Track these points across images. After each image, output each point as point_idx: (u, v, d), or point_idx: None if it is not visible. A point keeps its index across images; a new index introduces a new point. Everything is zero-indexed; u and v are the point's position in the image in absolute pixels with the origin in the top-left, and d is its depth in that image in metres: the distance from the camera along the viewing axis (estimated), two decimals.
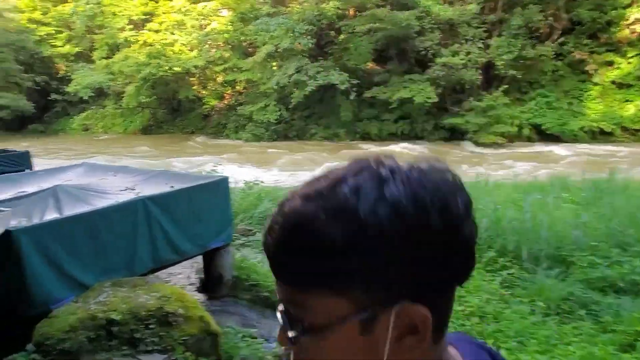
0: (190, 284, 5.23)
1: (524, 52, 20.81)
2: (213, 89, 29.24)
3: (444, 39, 21.76)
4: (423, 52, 21.76)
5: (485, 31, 21.81)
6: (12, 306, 3.42)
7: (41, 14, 32.25)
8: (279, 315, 0.56)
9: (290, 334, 0.53)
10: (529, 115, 21.31)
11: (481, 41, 21.42)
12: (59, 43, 31.99)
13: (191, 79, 28.67)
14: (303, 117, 25.08)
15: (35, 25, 31.85)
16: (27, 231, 3.30)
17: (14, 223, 4.12)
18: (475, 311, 4.32)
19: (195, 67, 26.87)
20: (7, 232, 3.25)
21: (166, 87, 27.96)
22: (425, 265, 0.52)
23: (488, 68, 21.66)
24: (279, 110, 24.17)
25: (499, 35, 21.62)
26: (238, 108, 26.19)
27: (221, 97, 28.92)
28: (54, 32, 32.07)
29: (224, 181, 4.93)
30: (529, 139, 21.13)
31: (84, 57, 32.29)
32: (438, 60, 20.85)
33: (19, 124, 33.28)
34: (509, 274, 5.26)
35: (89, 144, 26.69)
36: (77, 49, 32.17)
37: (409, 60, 23.20)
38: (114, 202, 4.20)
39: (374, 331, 0.51)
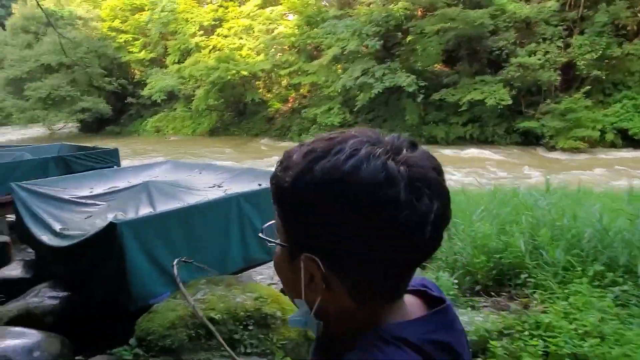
0: (272, 284, 5.12)
1: (609, 51, 19.26)
2: (278, 92, 29.69)
3: (519, 37, 20.65)
4: (496, 52, 20.76)
5: (565, 29, 20.45)
6: (113, 300, 3.44)
7: (120, 23, 34.31)
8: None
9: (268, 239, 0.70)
10: (613, 119, 19.67)
11: (561, 40, 20.10)
12: (135, 49, 33.86)
13: (257, 82, 29.29)
14: (367, 120, 24.75)
15: (115, 33, 33.94)
16: (130, 224, 3.31)
17: (110, 217, 4.20)
18: (592, 331, 3.85)
19: (262, 70, 27.40)
20: (112, 225, 3.27)
21: (233, 90, 28.74)
22: (340, 244, 0.60)
23: (568, 68, 20.26)
24: (343, 113, 24.04)
25: (581, 33, 20.18)
26: (302, 111, 26.35)
27: (285, 100, 29.29)
28: (131, 39, 34.00)
29: None
30: (613, 145, 19.51)
31: (158, 62, 34.00)
32: (513, 60, 19.80)
33: (97, 126, 35.63)
34: (622, 290, 4.69)
35: (161, 144, 27.99)
36: (151, 55, 33.89)
37: (481, 60, 22.25)
38: (204, 198, 4.17)
39: (294, 264, 0.64)
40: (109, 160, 6.98)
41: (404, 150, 0.61)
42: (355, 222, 0.58)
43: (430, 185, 0.60)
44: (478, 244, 4.77)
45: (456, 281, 4.31)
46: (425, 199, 0.59)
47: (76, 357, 3.06)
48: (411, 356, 0.60)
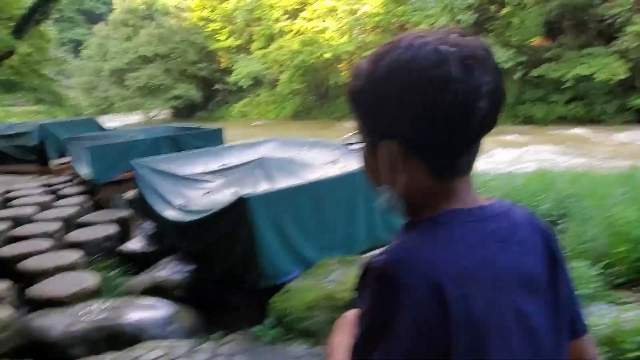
0: None
1: None
2: None
3: (637, 3, 18.28)
4: (608, 21, 18.58)
5: None
6: (241, 276, 3.33)
7: (209, 12, 35.53)
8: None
9: (353, 144, 0.79)
10: None
11: None
12: (222, 37, 34.98)
13: (340, 65, 28.97)
14: None
15: (204, 22, 35.27)
16: (261, 199, 3.16)
17: (228, 193, 4.10)
18: None
19: (345, 52, 27.02)
20: (242, 199, 3.14)
21: (316, 73, 28.69)
22: (413, 123, 0.66)
23: None
24: None
25: None
26: None
27: None
28: (219, 27, 35.13)
29: None
30: None
31: (243, 49, 34.91)
32: (629, 29, 17.60)
33: (188, 112, 37.58)
34: None
35: (247, 129, 28.80)
36: (237, 42, 34.84)
37: (588, 31, 20.09)
38: (325, 175, 3.94)
39: (376, 154, 0.71)
40: (212, 140, 7.08)
41: (453, 35, 0.68)
42: (417, 103, 0.65)
43: (480, 61, 0.66)
44: (618, 231, 4.10)
45: (597, 272, 3.66)
46: (476, 73, 0.65)
47: (212, 334, 2.99)
48: (455, 233, 0.67)
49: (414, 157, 0.68)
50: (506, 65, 19.80)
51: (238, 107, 34.61)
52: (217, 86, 35.51)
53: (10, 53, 16.18)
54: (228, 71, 34.63)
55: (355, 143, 0.78)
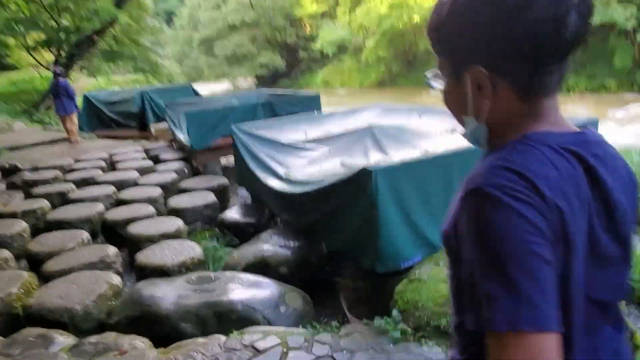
0: None
1: None
2: None
3: None
4: None
5: None
6: (357, 258, 2.96)
7: None
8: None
9: (433, 80, 0.79)
10: None
11: None
12: (306, 2, 34.45)
13: None
14: None
15: None
16: (385, 172, 2.72)
17: (334, 162, 3.71)
18: None
19: None
20: (365, 171, 2.72)
21: (403, 39, 27.32)
22: (480, 41, 0.68)
23: None
24: None
25: None
26: None
27: None
28: None
29: None
30: None
31: (329, 15, 34.16)
32: None
33: (272, 80, 37.94)
34: None
35: (330, 97, 28.42)
36: (322, 8, 34.15)
37: None
38: (446, 146, 3.39)
39: (461, 84, 0.72)
40: (312, 105, 6.73)
41: None
42: (503, 21, 0.64)
43: None
44: None
45: None
46: None
47: (325, 322, 2.67)
48: (545, 152, 0.66)
49: (501, 79, 0.69)
50: (626, 25, 17.31)
51: (322, 75, 34.23)
52: (301, 54, 35.31)
53: (112, 23, 16.98)
54: (313, 38, 34.25)
55: (436, 78, 0.78)
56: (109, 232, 4.45)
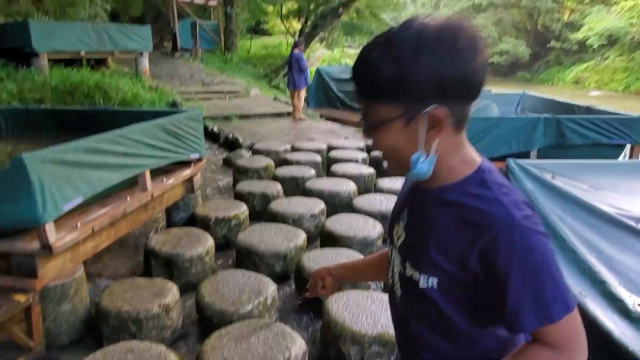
0: None
1: None
2: None
3: None
4: None
5: None
6: None
7: None
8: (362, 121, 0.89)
9: (366, 130, 0.89)
10: None
11: None
12: None
13: None
14: None
15: None
16: None
17: None
18: None
19: None
20: None
21: None
22: (445, 82, 0.79)
23: None
24: None
25: None
26: None
27: None
28: None
29: None
30: None
31: None
32: None
33: (506, 70, 33.49)
34: None
35: (579, 98, 23.34)
36: None
37: None
38: None
39: (411, 125, 0.83)
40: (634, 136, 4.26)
41: (458, 21, 0.82)
42: (459, 66, 0.79)
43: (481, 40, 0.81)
44: None
45: None
46: (479, 40, 0.80)
47: None
48: (502, 180, 0.88)
49: (449, 118, 0.82)
50: None
51: (575, 70, 28.55)
52: (552, 43, 30.02)
53: None
54: (572, 26, 28.62)
55: (372, 127, 0.86)
56: None
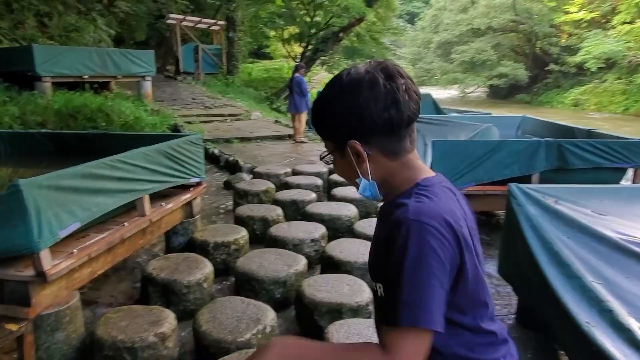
0: None
1: None
2: None
3: None
4: None
5: None
6: None
7: None
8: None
9: (326, 159, 1.04)
10: None
11: None
12: (573, 8, 29.24)
13: None
14: None
15: None
16: None
17: None
18: None
19: None
20: None
21: None
22: (359, 122, 0.91)
23: None
24: None
25: None
26: None
27: None
28: None
29: None
30: None
31: (597, 23, 28.34)
32: None
33: (506, 93, 33.73)
34: None
35: (577, 121, 23.39)
36: (591, 15, 28.52)
37: None
38: None
39: (345, 157, 0.97)
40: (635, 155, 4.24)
41: (382, 65, 0.94)
42: (379, 111, 0.90)
43: (395, 77, 0.92)
44: None
45: None
46: (399, 80, 0.92)
47: None
48: (439, 190, 0.95)
49: (372, 148, 0.94)
50: None
51: (574, 93, 28.75)
52: (551, 66, 30.32)
53: (360, 20, 16.60)
54: (570, 49, 28.97)
55: (327, 157, 1.03)
56: None
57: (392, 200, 0.97)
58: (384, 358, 0.82)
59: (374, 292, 0.97)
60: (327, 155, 1.02)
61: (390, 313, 0.84)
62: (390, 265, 0.85)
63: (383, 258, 0.89)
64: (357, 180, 0.98)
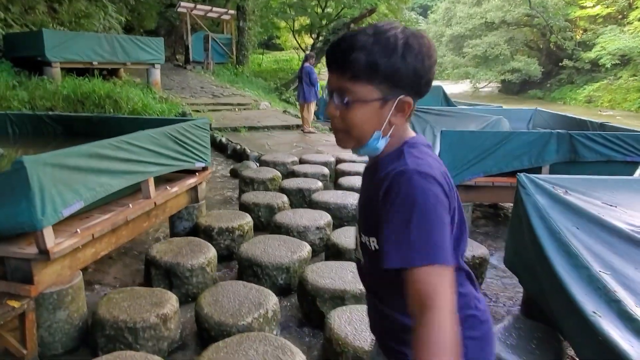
0: None
1: None
2: None
3: None
4: None
5: None
6: None
7: None
8: (331, 94, 1.01)
9: (339, 105, 0.99)
10: None
11: None
12: (589, 3, 28.73)
13: None
14: None
15: None
16: None
17: None
18: None
19: None
20: None
21: None
22: (417, 78, 0.96)
23: None
24: None
25: None
26: None
27: None
28: None
29: None
30: None
31: (614, 19, 27.83)
32: None
33: (519, 88, 33.30)
34: None
35: (592, 117, 23.08)
36: (608, 10, 28.01)
37: None
38: None
39: (385, 107, 0.97)
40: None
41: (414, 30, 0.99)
42: (422, 64, 0.95)
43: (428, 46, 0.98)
44: None
45: None
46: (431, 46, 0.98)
47: None
48: (425, 149, 1.01)
49: (411, 106, 0.99)
50: None
51: (588, 90, 28.32)
52: (565, 62, 29.87)
53: (371, 11, 16.45)
54: (585, 45, 28.50)
55: (349, 103, 0.98)
56: None
57: (384, 156, 1.01)
58: (427, 304, 0.80)
59: (365, 247, 1.04)
60: (352, 102, 0.96)
61: (391, 252, 0.85)
62: (393, 215, 0.87)
63: (381, 210, 0.91)
64: (372, 133, 0.98)
